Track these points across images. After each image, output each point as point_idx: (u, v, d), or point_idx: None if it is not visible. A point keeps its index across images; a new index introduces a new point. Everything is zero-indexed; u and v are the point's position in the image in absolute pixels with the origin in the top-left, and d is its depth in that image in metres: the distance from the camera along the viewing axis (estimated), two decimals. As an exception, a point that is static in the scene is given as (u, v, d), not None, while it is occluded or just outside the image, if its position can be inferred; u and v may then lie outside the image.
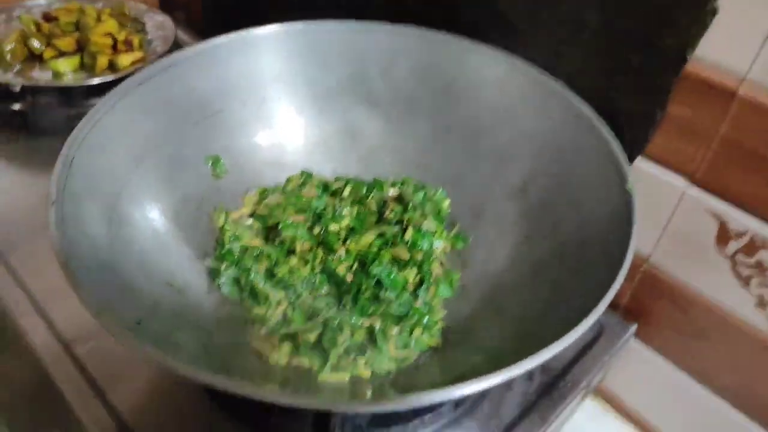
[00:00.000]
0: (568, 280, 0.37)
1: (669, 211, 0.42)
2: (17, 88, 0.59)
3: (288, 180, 0.50)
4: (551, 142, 0.43)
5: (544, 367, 0.42)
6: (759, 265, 0.39)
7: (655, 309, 0.46)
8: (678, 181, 0.41)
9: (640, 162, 0.42)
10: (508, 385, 0.41)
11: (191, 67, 0.46)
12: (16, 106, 0.60)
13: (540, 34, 0.45)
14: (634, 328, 0.46)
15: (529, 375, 0.41)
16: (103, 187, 0.38)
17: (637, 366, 0.49)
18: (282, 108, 0.51)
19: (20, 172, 0.56)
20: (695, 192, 0.41)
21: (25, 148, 0.59)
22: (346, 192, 0.48)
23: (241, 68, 0.48)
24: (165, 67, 0.45)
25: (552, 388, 0.41)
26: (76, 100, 0.61)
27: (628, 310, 0.48)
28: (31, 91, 0.60)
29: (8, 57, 0.63)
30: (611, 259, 0.32)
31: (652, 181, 0.42)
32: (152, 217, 0.41)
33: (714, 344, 0.43)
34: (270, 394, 0.26)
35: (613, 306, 0.47)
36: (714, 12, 0.35)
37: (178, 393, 0.39)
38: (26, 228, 0.49)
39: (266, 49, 0.49)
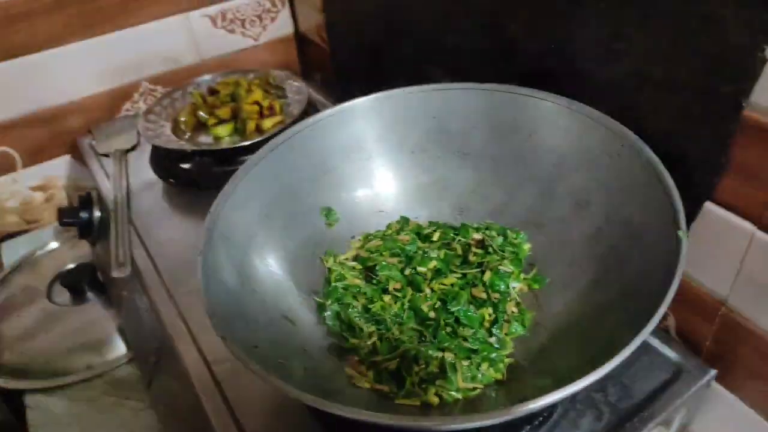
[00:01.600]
0: (628, 318, 0.39)
1: (740, 255, 0.42)
2: (188, 152, 0.75)
3: (388, 226, 0.57)
4: (622, 189, 0.46)
5: (614, 407, 0.43)
6: None
7: (738, 354, 0.45)
8: (746, 226, 0.41)
9: (711, 206, 0.43)
10: (574, 423, 0.43)
11: (311, 133, 0.56)
12: (186, 166, 0.74)
13: (608, 87, 0.48)
14: (713, 373, 0.46)
15: (599, 414, 0.43)
16: (237, 240, 0.48)
17: (722, 414, 0.47)
18: (384, 162, 0.59)
19: (187, 221, 0.69)
20: (763, 236, 0.40)
21: (191, 201, 0.72)
22: (436, 236, 0.54)
23: (350, 131, 0.57)
24: (291, 135, 0.55)
25: (619, 428, 0.42)
26: (231, 159, 0.74)
27: (711, 355, 0.47)
28: (199, 153, 0.74)
29: (182, 126, 0.80)
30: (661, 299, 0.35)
31: (721, 225, 0.42)
32: (271, 264, 0.50)
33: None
34: (352, 412, 0.33)
35: (694, 350, 0.47)
36: (764, 61, 0.36)
37: (289, 411, 0.47)
38: (189, 268, 0.59)
39: (366, 115, 0.57)
